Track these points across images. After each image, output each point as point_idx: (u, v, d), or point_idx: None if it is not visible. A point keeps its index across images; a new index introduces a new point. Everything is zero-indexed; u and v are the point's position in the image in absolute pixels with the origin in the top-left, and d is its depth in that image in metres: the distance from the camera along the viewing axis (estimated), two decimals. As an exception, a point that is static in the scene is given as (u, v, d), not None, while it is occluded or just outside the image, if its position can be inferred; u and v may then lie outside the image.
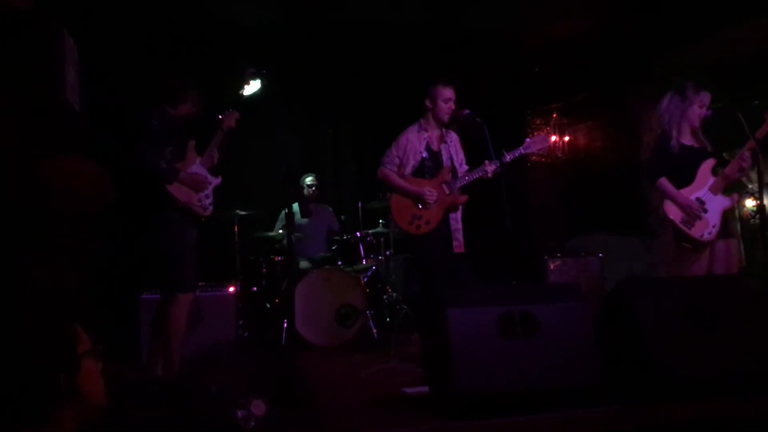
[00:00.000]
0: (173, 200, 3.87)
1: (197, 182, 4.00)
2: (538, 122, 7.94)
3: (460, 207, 4.52)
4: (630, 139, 7.13)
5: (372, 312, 5.65)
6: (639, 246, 6.67)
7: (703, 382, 2.88)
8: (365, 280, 5.89)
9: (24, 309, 0.84)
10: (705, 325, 3.03)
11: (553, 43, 6.80)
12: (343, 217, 6.81)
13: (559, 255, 6.13)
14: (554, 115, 8.04)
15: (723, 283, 3.47)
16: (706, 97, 4.34)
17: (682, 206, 4.26)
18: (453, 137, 4.63)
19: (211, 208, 4.07)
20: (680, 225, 4.26)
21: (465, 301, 2.99)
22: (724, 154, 4.41)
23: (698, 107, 4.33)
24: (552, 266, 6.02)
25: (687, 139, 4.39)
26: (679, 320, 3.03)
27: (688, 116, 4.35)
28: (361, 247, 6.13)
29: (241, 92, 6.06)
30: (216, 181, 4.17)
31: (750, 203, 6.65)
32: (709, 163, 4.33)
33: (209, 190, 4.09)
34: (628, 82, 7.01)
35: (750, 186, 6.58)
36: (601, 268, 6.08)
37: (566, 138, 8.04)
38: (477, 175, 4.39)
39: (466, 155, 4.67)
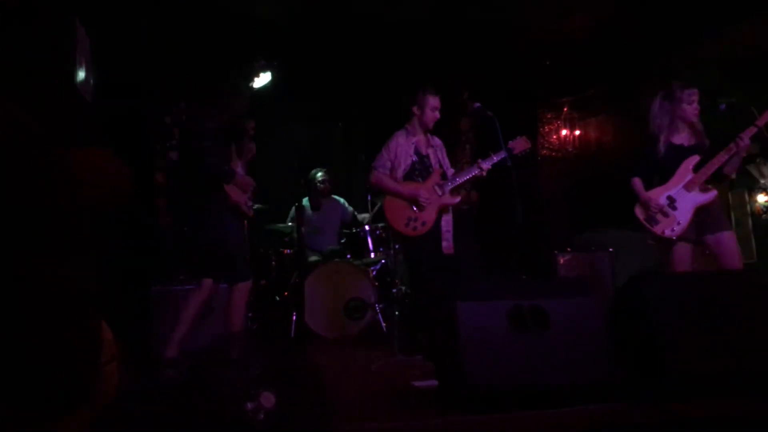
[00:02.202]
0: (227, 198, 4.22)
1: (246, 184, 4.36)
2: (549, 116, 7.90)
3: (451, 209, 4.70)
4: (641, 134, 7.07)
5: (381, 305, 5.65)
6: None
7: (716, 378, 2.86)
8: (374, 273, 5.89)
9: (42, 306, 0.84)
10: (718, 320, 3.01)
11: (564, 36, 6.75)
12: (351, 209, 6.80)
13: (569, 250, 6.11)
14: (565, 109, 7.99)
15: (736, 277, 3.43)
16: (692, 93, 4.40)
17: (642, 203, 4.41)
18: (437, 142, 4.86)
19: (252, 210, 4.43)
20: (644, 222, 4.41)
21: (475, 295, 2.97)
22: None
23: (686, 104, 4.38)
24: (562, 261, 6.00)
25: (680, 138, 4.44)
26: (692, 315, 3.01)
27: (679, 115, 4.40)
28: (370, 241, 6.12)
29: (251, 84, 6.07)
30: (253, 182, 4.49)
31: (762, 198, 6.60)
32: (690, 161, 4.38)
33: (250, 193, 4.44)
34: (639, 77, 6.96)
35: (762, 181, 6.53)
36: (612, 263, 6.06)
37: (577, 132, 8.00)
38: (469, 175, 4.60)
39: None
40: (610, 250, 6.12)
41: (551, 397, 2.77)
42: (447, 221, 4.68)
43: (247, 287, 4.38)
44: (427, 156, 4.75)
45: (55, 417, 0.89)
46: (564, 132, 7.95)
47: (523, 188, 4.32)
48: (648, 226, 4.38)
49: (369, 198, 6.39)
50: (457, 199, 4.68)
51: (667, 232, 4.28)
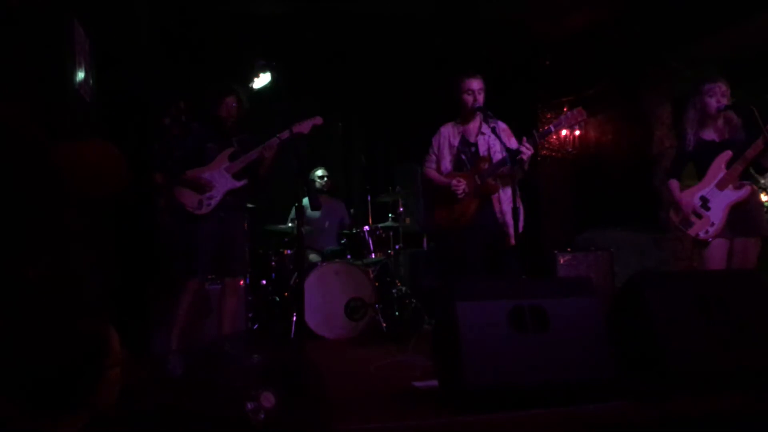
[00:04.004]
0: (172, 199, 4.43)
1: (196, 185, 4.41)
2: (549, 116, 7.88)
3: (503, 199, 4.37)
4: (641, 134, 7.08)
5: (381, 306, 5.65)
6: (649, 241, 6.63)
7: (717, 376, 2.86)
8: (374, 273, 5.88)
9: (48, 309, 0.84)
10: (718, 319, 3.01)
11: (564, 35, 6.76)
12: (352, 210, 6.80)
13: (569, 250, 6.11)
14: (564, 109, 7.98)
15: (735, 277, 3.43)
16: (714, 86, 4.26)
17: (679, 209, 4.34)
18: (499, 126, 4.30)
19: (208, 208, 4.43)
20: (679, 226, 4.35)
21: (475, 295, 2.97)
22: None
23: (708, 97, 4.27)
24: (562, 261, 5.99)
25: (709, 134, 4.34)
26: (692, 314, 3.01)
27: (701, 109, 4.31)
28: (370, 241, 6.13)
29: (250, 85, 6.07)
30: (234, 184, 4.50)
31: (763, 198, 6.59)
32: (723, 157, 4.27)
33: (214, 192, 4.44)
34: (640, 76, 6.96)
35: (762, 181, 6.52)
36: (612, 263, 6.05)
37: (577, 132, 7.99)
38: (508, 161, 4.12)
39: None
40: (610, 249, 6.12)
41: (551, 397, 2.77)
42: (501, 211, 4.36)
43: (188, 286, 4.44)
44: (475, 144, 4.46)
45: (56, 417, 0.89)
46: (564, 132, 7.94)
47: (523, 188, 4.27)
48: (683, 228, 4.31)
49: (369, 198, 6.40)
50: (498, 187, 4.34)
51: (702, 235, 4.21)
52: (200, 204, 4.42)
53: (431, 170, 4.58)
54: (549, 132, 4.43)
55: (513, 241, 4.28)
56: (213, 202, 4.44)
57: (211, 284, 5.15)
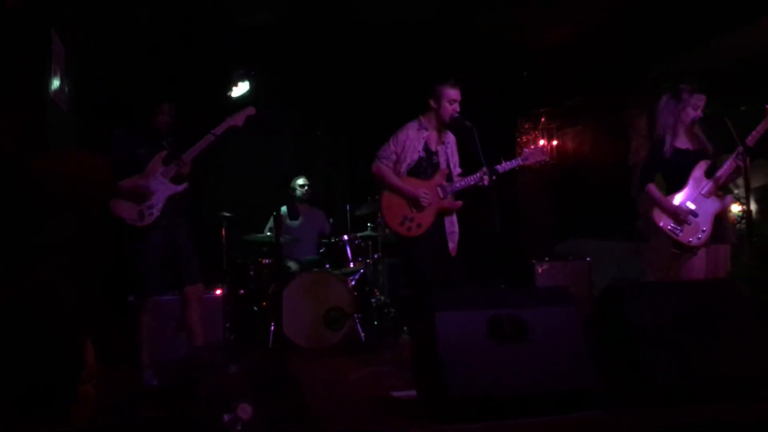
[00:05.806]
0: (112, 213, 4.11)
1: (134, 194, 4.12)
2: (527, 126, 7.95)
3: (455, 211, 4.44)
4: (619, 144, 7.16)
5: (360, 315, 5.63)
6: (627, 251, 6.69)
7: (695, 386, 2.89)
8: (353, 283, 5.87)
9: (25, 321, 0.82)
10: (695, 329, 3.04)
11: (546, 47, 6.82)
12: (331, 219, 6.79)
13: (546, 259, 6.14)
14: (542, 119, 8.05)
15: (713, 287, 3.47)
16: (699, 99, 4.30)
17: (669, 212, 4.28)
18: (451, 138, 4.52)
19: (151, 218, 4.13)
20: (668, 231, 4.27)
21: (454, 305, 2.98)
22: (724, 156, 4.38)
23: (692, 109, 4.31)
24: (540, 270, 6.02)
25: (683, 143, 4.38)
26: (669, 325, 3.04)
27: (681, 118, 4.35)
28: (349, 250, 6.11)
29: (229, 94, 6.04)
30: (174, 189, 4.23)
31: (736, 208, 6.69)
32: (702, 166, 4.31)
33: (154, 200, 4.15)
34: (619, 88, 7.03)
35: (736, 191, 6.62)
36: (590, 273, 6.09)
37: (554, 142, 8.06)
38: (472, 182, 4.28)
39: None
40: (588, 259, 6.16)
41: (531, 406, 2.78)
42: (452, 222, 4.41)
43: (194, 291, 4.28)
44: (436, 153, 4.43)
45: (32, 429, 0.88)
46: (541, 142, 7.99)
47: (501, 198, 4.28)
48: (672, 235, 4.25)
49: (348, 208, 6.39)
50: (459, 203, 4.38)
51: (694, 241, 4.19)
52: (141, 215, 4.11)
53: (388, 170, 4.39)
54: (516, 165, 4.39)
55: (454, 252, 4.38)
56: (155, 212, 4.14)
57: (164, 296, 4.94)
